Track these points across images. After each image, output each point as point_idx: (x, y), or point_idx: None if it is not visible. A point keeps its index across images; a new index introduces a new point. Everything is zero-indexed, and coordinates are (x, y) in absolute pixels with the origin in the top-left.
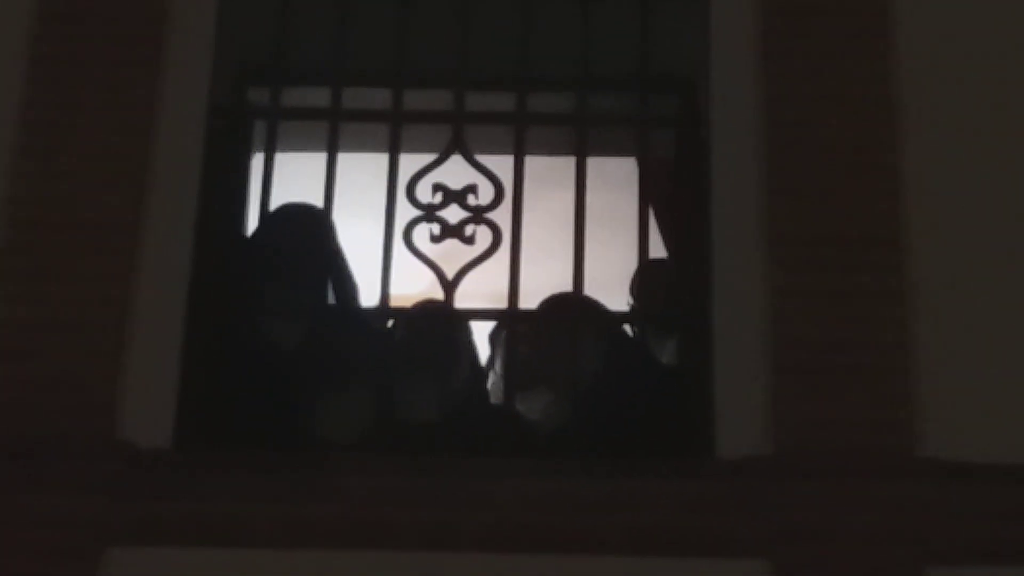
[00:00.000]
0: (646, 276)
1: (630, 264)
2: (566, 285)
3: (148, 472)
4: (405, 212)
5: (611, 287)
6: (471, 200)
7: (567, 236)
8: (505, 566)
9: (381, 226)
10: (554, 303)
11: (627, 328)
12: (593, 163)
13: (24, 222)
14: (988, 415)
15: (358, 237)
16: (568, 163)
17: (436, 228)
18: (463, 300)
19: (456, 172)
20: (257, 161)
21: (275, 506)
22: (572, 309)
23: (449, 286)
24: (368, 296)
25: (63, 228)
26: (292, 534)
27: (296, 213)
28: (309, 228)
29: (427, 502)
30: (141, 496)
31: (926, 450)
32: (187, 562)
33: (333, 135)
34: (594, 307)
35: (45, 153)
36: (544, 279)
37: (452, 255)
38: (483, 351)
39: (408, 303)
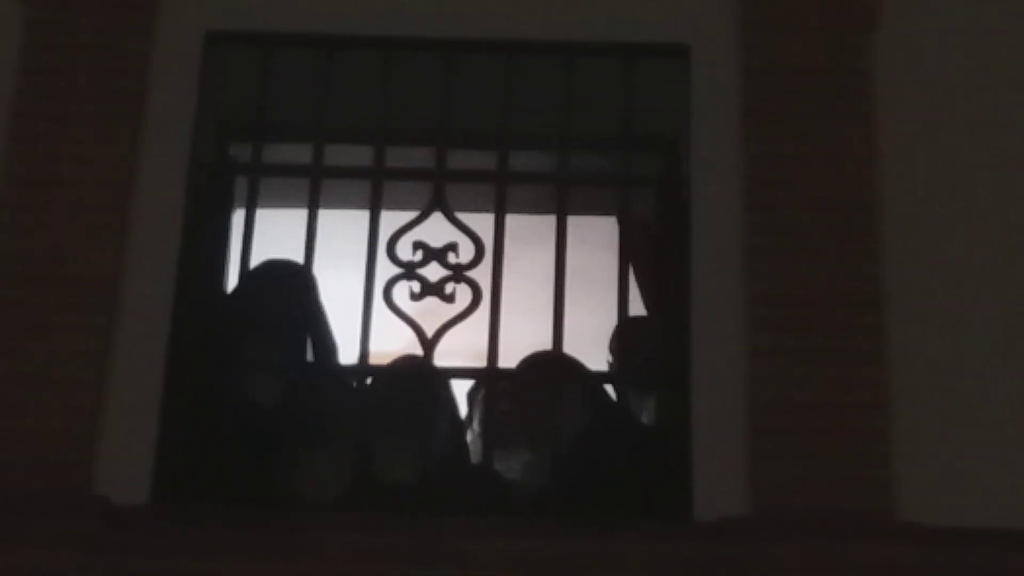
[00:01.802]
0: (625, 334)
1: (610, 322)
2: (546, 343)
3: (124, 528)
4: (385, 269)
5: (591, 345)
6: (451, 258)
7: (547, 294)
8: None
9: (362, 283)
10: (534, 362)
11: (606, 387)
12: (574, 221)
13: (4, 276)
14: (966, 479)
15: (339, 294)
16: (549, 221)
17: (416, 286)
18: (443, 357)
19: (437, 230)
20: (238, 217)
21: (251, 563)
22: (551, 368)
23: (429, 344)
24: (348, 353)
25: (43, 282)
26: None
27: (277, 269)
28: (290, 285)
29: (405, 561)
30: (117, 552)
31: (904, 513)
32: None
33: (314, 192)
34: (573, 366)
35: (27, 207)
36: (524, 337)
37: (432, 312)
38: (463, 408)
39: (388, 360)
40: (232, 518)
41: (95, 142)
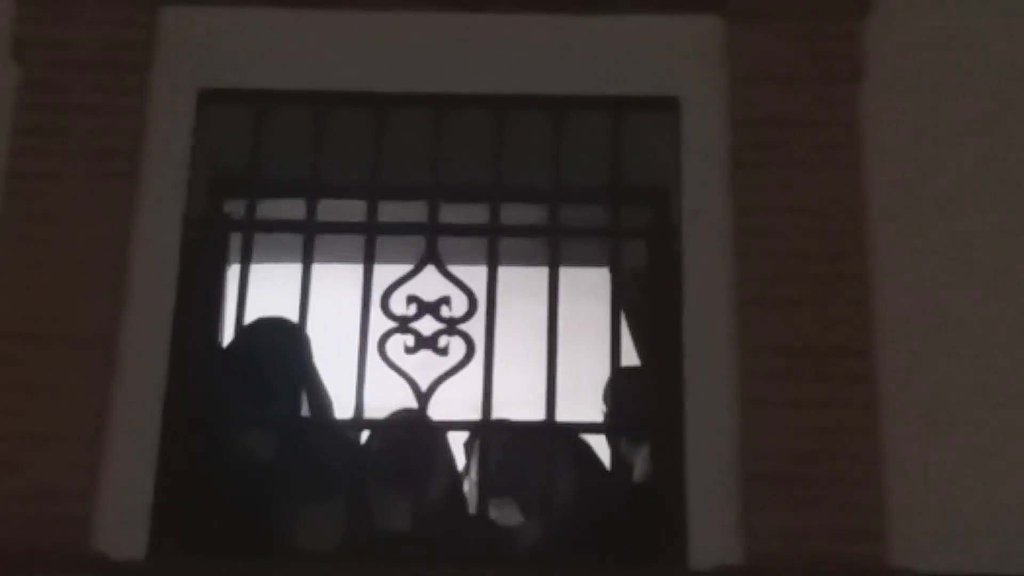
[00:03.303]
0: (618, 384)
1: (603, 372)
2: (539, 393)
3: None
4: (379, 323)
5: (584, 396)
6: (445, 311)
7: (540, 345)
8: None
9: (356, 337)
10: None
11: (599, 438)
12: (566, 273)
13: (1, 334)
14: (960, 526)
15: (333, 348)
16: (541, 273)
17: (410, 339)
18: (438, 409)
19: (430, 283)
20: (233, 272)
21: None
22: (544, 424)
23: (423, 397)
24: (343, 407)
25: (39, 340)
26: None
27: (271, 326)
28: (283, 341)
29: None
30: None
31: (898, 560)
32: None
33: (308, 247)
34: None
35: (21, 265)
36: (517, 387)
37: (426, 365)
38: (459, 459)
39: (383, 414)
40: (230, 573)
41: (90, 200)
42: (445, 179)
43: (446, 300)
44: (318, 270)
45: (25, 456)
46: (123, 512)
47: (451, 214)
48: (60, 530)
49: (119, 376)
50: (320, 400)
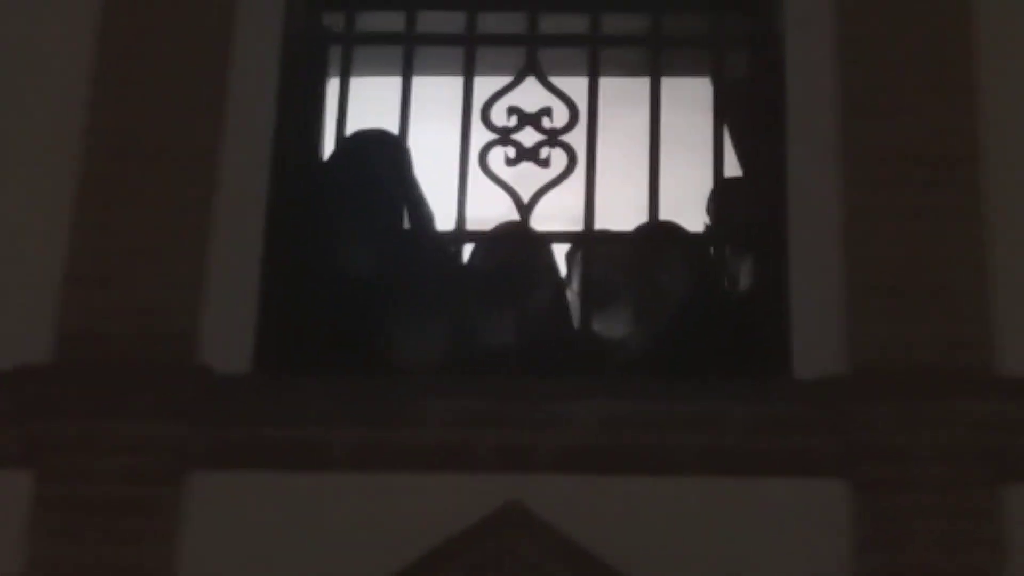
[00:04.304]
0: (722, 196)
1: (706, 184)
2: (642, 206)
3: (227, 397)
4: (480, 135)
5: (687, 207)
6: (546, 123)
7: (642, 157)
8: (583, 487)
9: (456, 150)
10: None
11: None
12: (668, 83)
13: (102, 151)
14: None
15: (434, 161)
16: (643, 84)
17: (512, 151)
18: (539, 222)
19: (531, 94)
20: (333, 86)
21: (354, 430)
22: (650, 231)
23: (525, 208)
24: (445, 221)
25: (141, 157)
26: (371, 458)
27: (371, 140)
28: (385, 155)
29: (505, 424)
30: (221, 421)
31: (1003, 368)
32: (267, 486)
33: (408, 59)
34: (675, 229)
35: (121, 84)
36: (620, 200)
37: (528, 178)
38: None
39: (485, 227)
40: (333, 386)
41: (189, 15)
42: None
43: (547, 111)
44: (418, 83)
45: (129, 271)
46: (227, 327)
47: (551, 24)
48: (165, 345)
49: (221, 190)
50: (422, 213)
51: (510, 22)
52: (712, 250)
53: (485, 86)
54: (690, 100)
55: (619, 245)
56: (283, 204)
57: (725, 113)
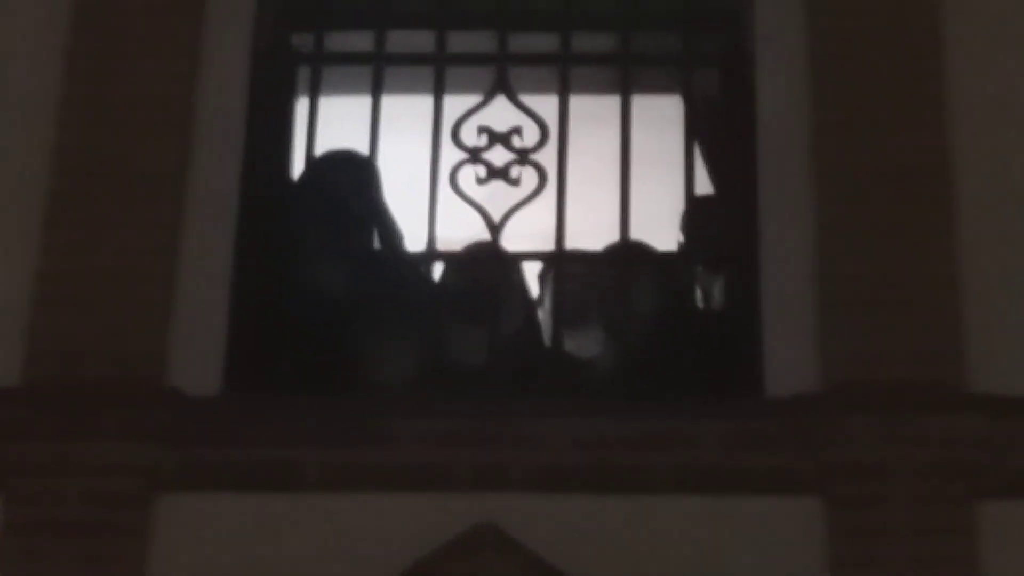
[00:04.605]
0: (694, 214)
1: (677, 203)
2: (612, 224)
3: (197, 419)
4: (450, 155)
5: (657, 226)
6: (516, 141)
7: (613, 175)
8: (555, 506)
9: (427, 169)
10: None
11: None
12: (638, 102)
13: (72, 171)
14: None
15: (404, 180)
16: (613, 102)
17: (482, 170)
18: (511, 241)
19: (501, 113)
20: (301, 106)
21: (325, 450)
22: (621, 250)
23: (496, 228)
24: (415, 240)
25: (111, 176)
26: (342, 478)
27: (341, 160)
28: (354, 175)
29: (478, 443)
30: (191, 442)
31: (976, 384)
32: (238, 507)
33: (377, 78)
34: (645, 249)
35: (91, 102)
36: (590, 218)
37: (498, 197)
38: (533, 291)
39: (455, 247)
40: (303, 407)
41: (156, 35)
42: (514, 7)
43: (517, 130)
44: (387, 102)
45: (98, 292)
46: (197, 348)
47: (521, 43)
48: (135, 366)
49: (191, 211)
50: (391, 234)
51: (480, 41)
52: (684, 268)
53: (455, 105)
54: (661, 118)
55: (590, 264)
56: (252, 223)
57: (696, 131)
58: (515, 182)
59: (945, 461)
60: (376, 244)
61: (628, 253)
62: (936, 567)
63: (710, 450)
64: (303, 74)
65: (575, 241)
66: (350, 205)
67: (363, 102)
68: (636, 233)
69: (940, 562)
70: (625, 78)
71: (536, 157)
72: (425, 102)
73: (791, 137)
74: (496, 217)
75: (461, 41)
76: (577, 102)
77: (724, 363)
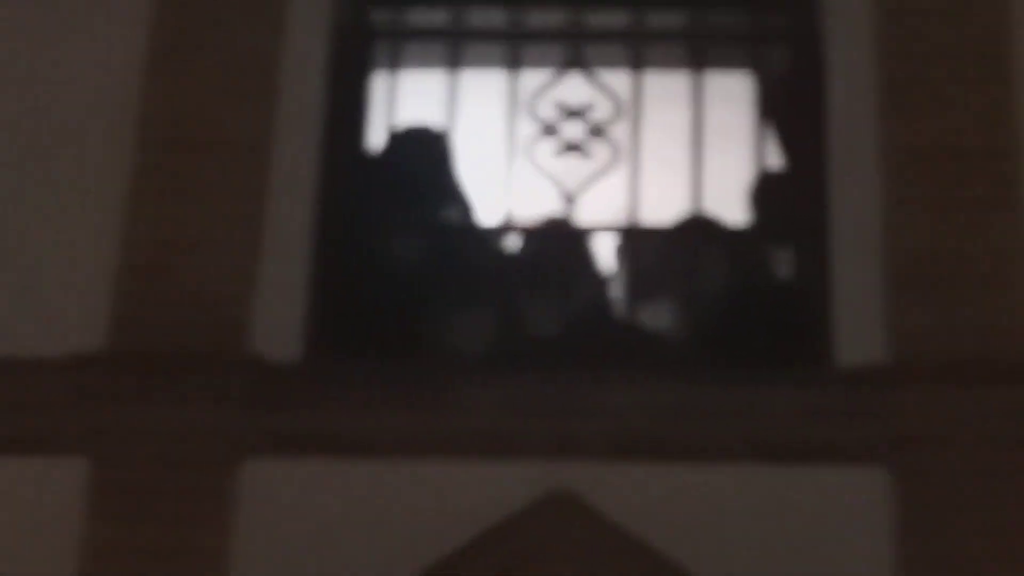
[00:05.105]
0: (764, 189)
1: (747, 177)
2: (684, 199)
3: (278, 385)
4: (525, 129)
5: (729, 200)
6: (590, 117)
7: (685, 150)
8: (627, 474)
9: (501, 143)
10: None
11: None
12: (710, 78)
13: (156, 143)
14: None
15: (479, 155)
16: (685, 78)
17: (556, 144)
18: (584, 214)
19: (575, 89)
20: (380, 80)
21: (401, 417)
22: (692, 224)
23: (570, 199)
24: (490, 214)
25: (193, 148)
26: (417, 444)
27: (416, 135)
28: (428, 150)
29: (549, 412)
30: (272, 408)
31: None
32: (318, 471)
33: (454, 54)
34: (715, 223)
35: (175, 76)
36: (663, 193)
37: (572, 171)
38: (606, 264)
39: (529, 219)
40: (381, 374)
41: (240, 11)
42: None
43: (591, 106)
44: (464, 77)
45: (182, 261)
46: (278, 316)
47: (594, 19)
48: (218, 333)
49: (272, 181)
50: (463, 207)
51: (555, 17)
52: (755, 242)
53: (530, 80)
54: (732, 94)
55: (662, 238)
56: (332, 195)
57: (766, 107)
58: (589, 156)
59: (1009, 432)
60: (451, 216)
61: (699, 227)
62: (1001, 536)
63: (779, 420)
64: (381, 49)
65: (648, 214)
66: (424, 179)
67: (440, 77)
68: (707, 207)
69: (1005, 532)
70: (697, 54)
71: (610, 132)
72: (500, 77)
73: (860, 112)
74: (570, 191)
75: (536, 17)
76: (650, 78)
77: (793, 335)
